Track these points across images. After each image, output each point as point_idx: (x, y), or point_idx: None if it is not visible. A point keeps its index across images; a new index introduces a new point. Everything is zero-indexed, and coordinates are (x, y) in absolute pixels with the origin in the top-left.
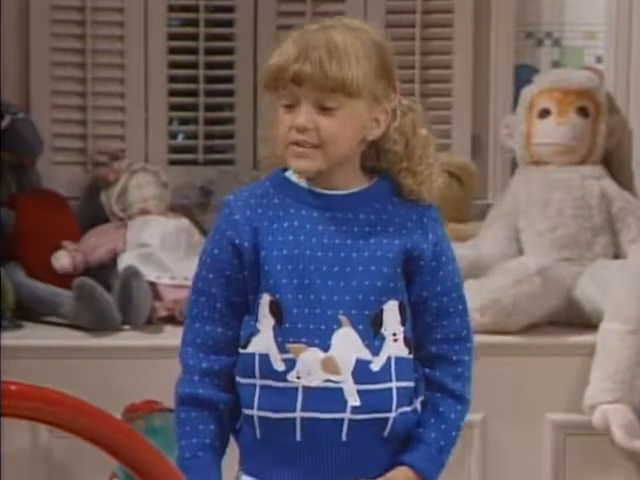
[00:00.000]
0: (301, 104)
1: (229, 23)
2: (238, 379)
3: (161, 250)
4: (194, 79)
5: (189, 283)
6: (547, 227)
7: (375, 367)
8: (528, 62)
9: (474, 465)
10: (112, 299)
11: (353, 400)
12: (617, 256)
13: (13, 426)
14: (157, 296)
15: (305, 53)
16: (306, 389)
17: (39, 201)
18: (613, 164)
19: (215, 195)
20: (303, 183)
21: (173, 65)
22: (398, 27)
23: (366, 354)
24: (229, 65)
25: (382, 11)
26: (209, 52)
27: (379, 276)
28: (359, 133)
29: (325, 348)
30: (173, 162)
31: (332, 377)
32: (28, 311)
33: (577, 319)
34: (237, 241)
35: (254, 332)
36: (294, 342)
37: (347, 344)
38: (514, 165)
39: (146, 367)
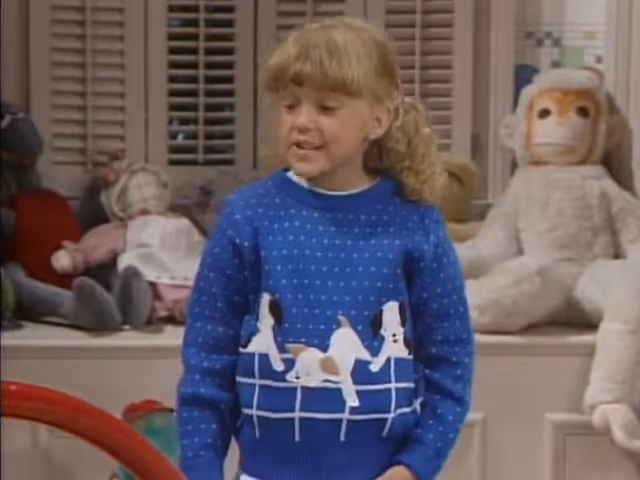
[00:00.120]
0: (302, 104)
1: (229, 23)
2: (238, 378)
3: (161, 250)
4: (194, 79)
5: (189, 283)
6: (547, 227)
7: (374, 368)
8: (528, 62)
9: (474, 465)
10: (112, 299)
11: (352, 400)
12: (617, 256)
13: (13, 426)
14: (157, 296)
15: (305, 53)
16: (305, 389)
17: (39, 201)
18: (613, 164)
19: (215, 195)
20: (304, 183)
21: (173, 65)
22: (398, 27)
23: (365, 355)
24: (229, 65)
25: (382, 11)
26: (209, 52)
27: (379, 277)
28: (361, 132)
29: (324, 348)
30: (173, 162)
31: (331, 377)
32: (28, 311)
33: (577, 319)
34: (237, 240)
35: (254, 331)
36: (293, 342)
37: (346, 344)
38: (514, 165)
39: (146, 367)
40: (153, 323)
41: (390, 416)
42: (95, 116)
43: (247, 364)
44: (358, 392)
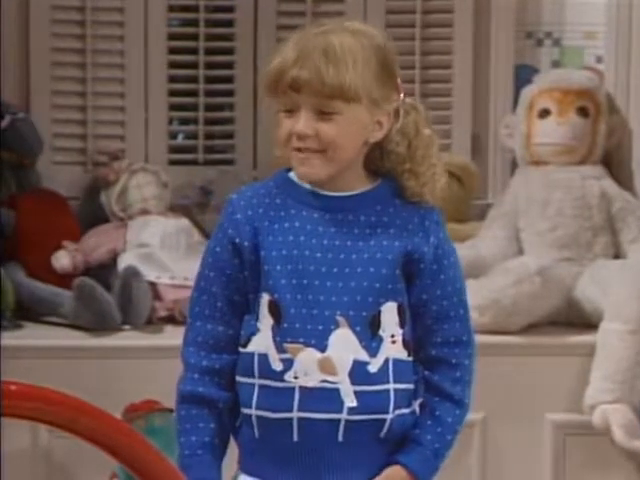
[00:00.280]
0: (300, 110)
1: (229, 23)
2: (238, 378)
3: (161, 250)
4: (194, 79)
5: (189, 283)
6: (547, 227)
7: (372, 368)
8: (528, 62)
9: (474, 465)
10: (112, 299)
11: (350, 401)
12: (617, 256)
13: (13, 426)
14: (157, 296)
15: (303, 58)
16: (303, 389)
17: (39, 201)
18: (613, 164)
19: (215, 195)
20: (306, 184)
21: (173, 65)
22: (398, 27)
23: (363, 355)
24: (229, 65)
25: (382, 11)
26: (209, 52)
27: (377, 277)
28: (361, 137)
29: (322, 348)
30: (173, 162)
31: (329, 378)
32: (28, 311)
33: (577, 319)
34: (237, 240)
35: (254, 331)
36: (292, 342)
37: (344, 345)
38: (514, 165)
39: (146, 367)
40: (153, 323)
41: (388, 417)
42: (95, 116)
43: (247, 364)
44: (356, 392)
